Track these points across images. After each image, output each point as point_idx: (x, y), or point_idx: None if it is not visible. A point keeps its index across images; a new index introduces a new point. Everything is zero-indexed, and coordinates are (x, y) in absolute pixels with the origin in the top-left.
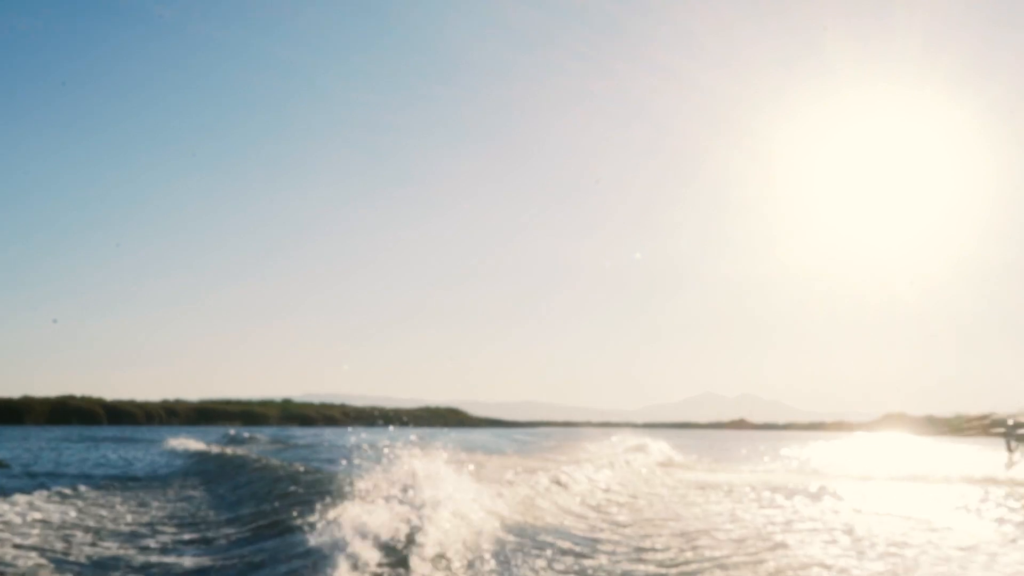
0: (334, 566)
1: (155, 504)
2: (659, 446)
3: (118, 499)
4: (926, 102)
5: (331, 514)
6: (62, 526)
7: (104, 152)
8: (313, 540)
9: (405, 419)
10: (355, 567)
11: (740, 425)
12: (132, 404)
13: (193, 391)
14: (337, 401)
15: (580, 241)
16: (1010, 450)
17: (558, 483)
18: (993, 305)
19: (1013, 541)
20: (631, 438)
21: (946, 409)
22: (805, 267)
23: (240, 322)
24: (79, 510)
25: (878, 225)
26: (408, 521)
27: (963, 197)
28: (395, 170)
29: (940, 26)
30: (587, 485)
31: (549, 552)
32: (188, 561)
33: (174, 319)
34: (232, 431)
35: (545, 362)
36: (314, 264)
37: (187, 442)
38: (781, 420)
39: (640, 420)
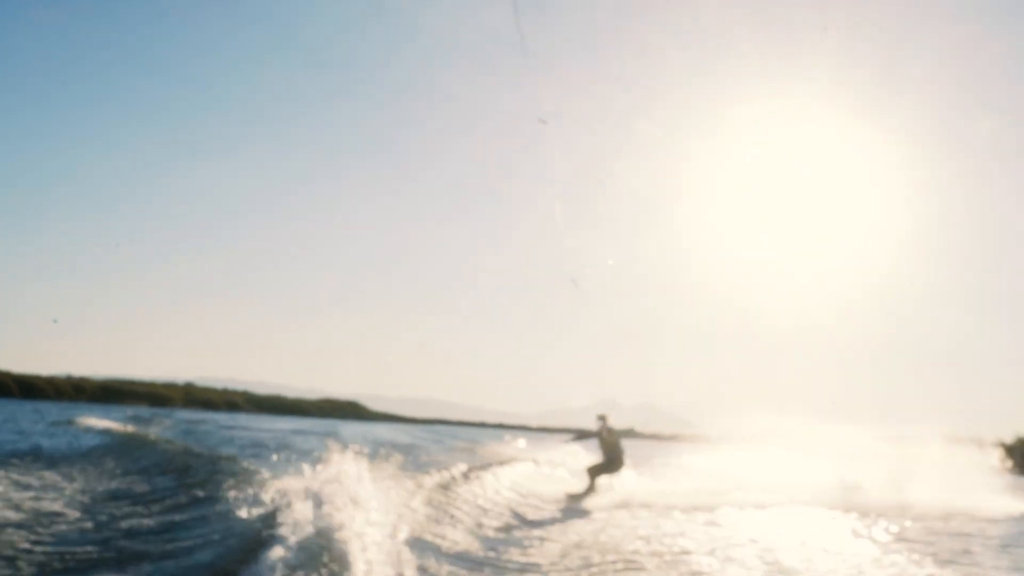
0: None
1: (72, 486)
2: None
3: (32, 479)
4: (838, 119)
5: (262, 498)
6: None
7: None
8: (240, 527)
9: (310, 410)
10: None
11: (629, 434)
12: (41, 379)
13: (85, 367)
14: (236, 387)
15: (493, 243)
16: None
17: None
18: (903, 328)
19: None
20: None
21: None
22: (716, 284)
23: (142, 302)
24: None
25: (790, 242)
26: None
27: (875, 214)
28: (314, 163)
29: (851, 44)
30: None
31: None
32: (103, 547)
33: (76, 293)
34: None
35: (449, 360)
36: (225, 249)
37: (102, 421)
38: (668, 431)
39: (536, 424)
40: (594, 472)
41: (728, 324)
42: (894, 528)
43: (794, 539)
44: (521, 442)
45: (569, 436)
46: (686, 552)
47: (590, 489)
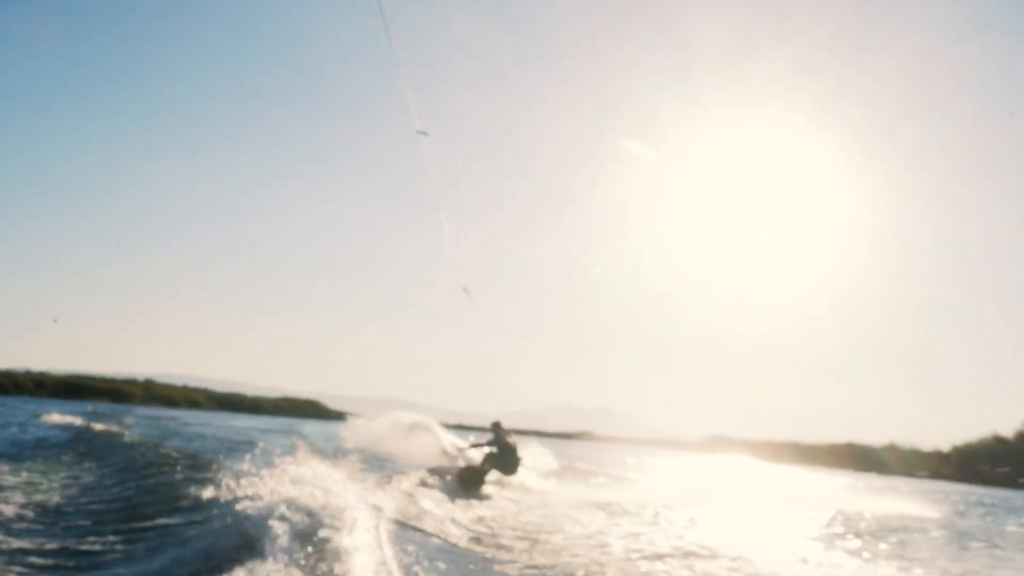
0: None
1: (44, 485)
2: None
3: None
4: (793, 127)
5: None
6: None
7: None
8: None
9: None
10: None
11: (585, 436)
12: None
13: (44, 363)
14: (195, 384)
15: (453, 244)
16: None
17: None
18: (860, 337)
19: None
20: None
21: (788, 435)
22: (676, 293)
23: (102, 299)
24: None
25: (746, 250)
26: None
27: (833, 223)
28: (275, 166)
29: (807, 52)
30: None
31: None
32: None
33: (34, 290)
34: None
35: (409, 359)
36: (186, 249)
37: (66, 417)
38: (626, 435)
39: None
40: (489, 462)
41: (687, 332)
42: (843, 526)
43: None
44: (473, 452)
45: (469, 444)
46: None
47: (478, 477)
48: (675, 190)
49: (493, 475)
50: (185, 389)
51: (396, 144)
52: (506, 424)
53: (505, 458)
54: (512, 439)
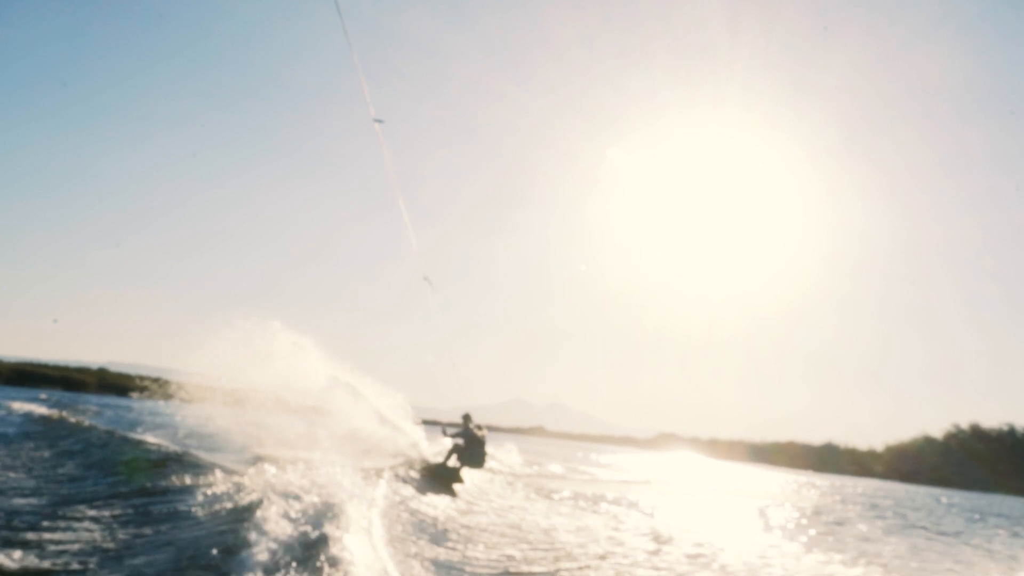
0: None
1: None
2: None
3: None
4: (751, 126)
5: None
6: None
7: None
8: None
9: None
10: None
11: (537, 432)
12: None
13: None
14: (148, 373)
15: (406, 241)
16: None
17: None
18: (813, 337)
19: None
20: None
21: (732, 433)
22: (631, 292)
23: (55, 288)
24: None
25: (702, 250)
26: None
27: (788, 223)
28: (231, 161)
29: (763, 50)
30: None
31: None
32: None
33: None
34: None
35: (364, 351)
36: (139, 240)
37: (25, 405)
38: (578, 431)
39: (445, 419)
40: (456, 455)
41: (642, 330)
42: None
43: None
44: (446, 441)
45: (442, 428)
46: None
47: (449, 475)
48: (632, 189)
49: (458, 466)
50: (139, 378)
51: (354, 138)
52: (459, 418)
53: (472, 451)
54: (482, 432)
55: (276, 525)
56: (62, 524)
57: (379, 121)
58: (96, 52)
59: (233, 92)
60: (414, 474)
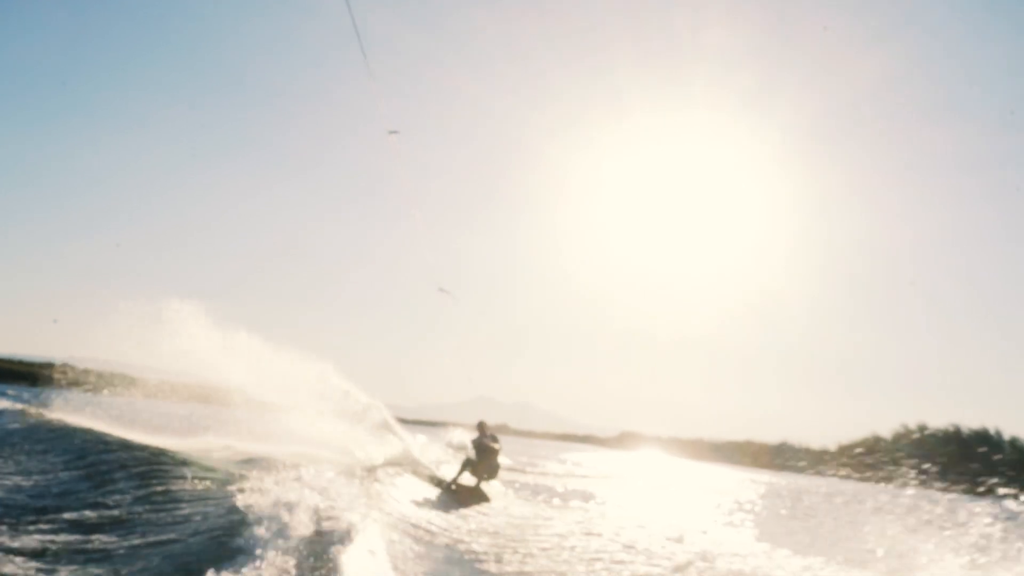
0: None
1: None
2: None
3: None
4: (718, 127)
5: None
6: None
7: None
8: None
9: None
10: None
11: (502, 430)
12: None
13: None
14: (113, 369)
15: (375, 238)
16: None
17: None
18: (779, 340)
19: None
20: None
21: (693, 433)
22: (598, 291)
23: (18, 282)
24: None
25: (669, 251)
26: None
27: (757, 222)
28: (197, 157)
29: (730, 51)
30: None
31: None
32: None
33: None
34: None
35: (333, 348)
36: (103, 236)
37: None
38: (543, 429)
39: (411, 417)
40: (468, 468)
41: (609, 331)
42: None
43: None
44: (421, 437)
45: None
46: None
47: (475, 494)
48: (599, 190)
49: (475, 482)
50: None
51: (323, 137)
52: (425, 416)
53: (484, 463)
54: (497, 444)
55: (269, 534)
56: (43, 528)
57: (394, 132)
58: (64, 46)
59: (201, 88)
60: (427, 490)
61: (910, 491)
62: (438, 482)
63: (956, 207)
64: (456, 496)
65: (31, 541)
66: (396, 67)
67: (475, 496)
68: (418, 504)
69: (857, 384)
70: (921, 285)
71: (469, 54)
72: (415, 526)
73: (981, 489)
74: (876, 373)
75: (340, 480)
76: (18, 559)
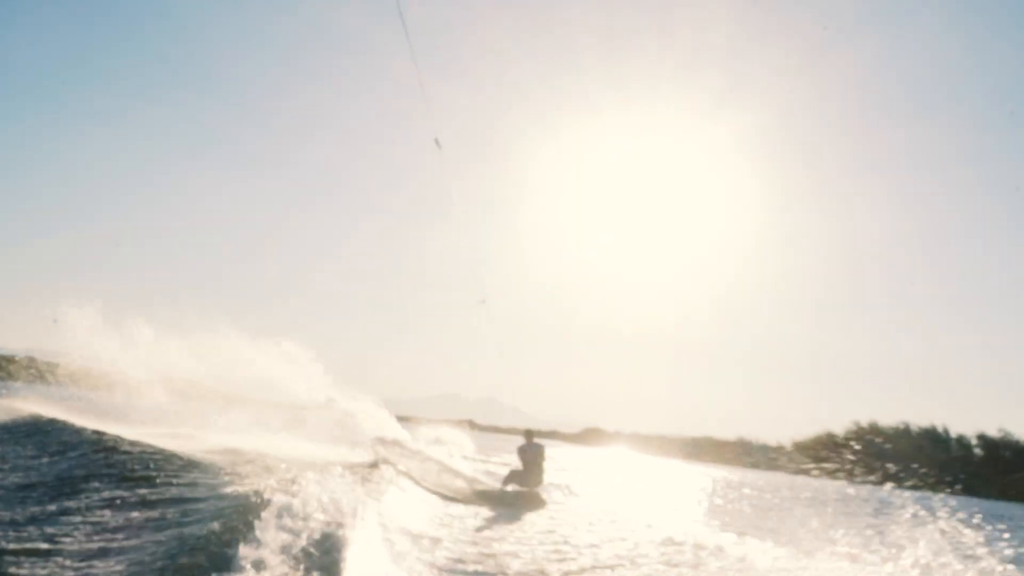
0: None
1: None
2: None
3: None
4: (682, 126)
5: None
6: None
7: None
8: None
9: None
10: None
11: (466, 426)
12: None
13: None
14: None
15: (342, 233)
16: None
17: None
18: (744, 337)
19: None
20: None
21: (660, 429)
22: (561, 287)
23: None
24: None
25: (634, 246)
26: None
27: (722, 219)
28: (179, 147)
29: (697, 49)
30: None
31: None
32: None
33: None
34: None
35: (303, 344)
36: (73, 231)
37: None
38: (508, 424)
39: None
40: (514, 479)
41: (573, 325)
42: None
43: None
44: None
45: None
46: None
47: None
48: (567, 187)
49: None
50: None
51: (289, 135)
52: (397, 412)
53: (529, 473)
54: (542, 454)
55: (271, 536)
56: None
57: (438, 144)
58: (23, 41)
59: (168, 84)
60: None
61: (856, 488)
62: (481, 492)
63: (921, 205)
64: (510, 501)
65: (19, 541)
66: (362, 62)
67: (532, 501)
68: (438, 506)
69: (823, 381)
70: (886, 283)
71: (434, 49)
72: (419, 534)
73: (909, 483)
74: (841, 371)
75: (343, 481)
76: (10, 558)
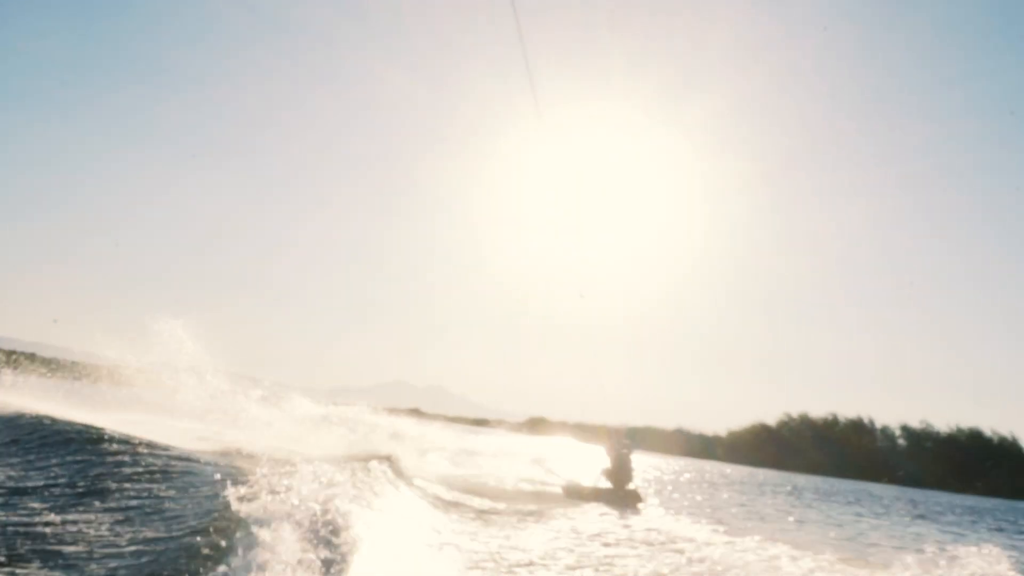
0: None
1: None
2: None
3: None
4: (633, 120)
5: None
6: None
7: None
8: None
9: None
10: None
11: (414, 414)
12: None
13: None
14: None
15: (299, 223)
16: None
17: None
18: (696, 331)
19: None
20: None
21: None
22: (511, 279)
23: None
24: None
25: (584, 241)
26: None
27: (670, 215)
28: (128, 139)
29: (644, 43)
30: None
31: None
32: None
33: None
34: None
35: (250, 333)
36: (43, 218)
37: None
38: (454, 413)
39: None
40: (606, 479)
41: (522, 317)
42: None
43: None
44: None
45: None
46: None
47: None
48: (517, 181)
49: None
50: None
51: (246, 124)
52: (337, 401)
53: (618, 472)
54: (630, 457)
55: (266, 532)
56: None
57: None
58: None
59: (118, 73)
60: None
61: (781, 474)
62: (575, 488)
63: (872, 199)
64: (615, 499)
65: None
66: (322, 54)
67: (631, 498)
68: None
69: (775, 373)
70: (837, 277)
71: (393, 41)
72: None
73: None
74: (792, 363)
75: (339, 475)
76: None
